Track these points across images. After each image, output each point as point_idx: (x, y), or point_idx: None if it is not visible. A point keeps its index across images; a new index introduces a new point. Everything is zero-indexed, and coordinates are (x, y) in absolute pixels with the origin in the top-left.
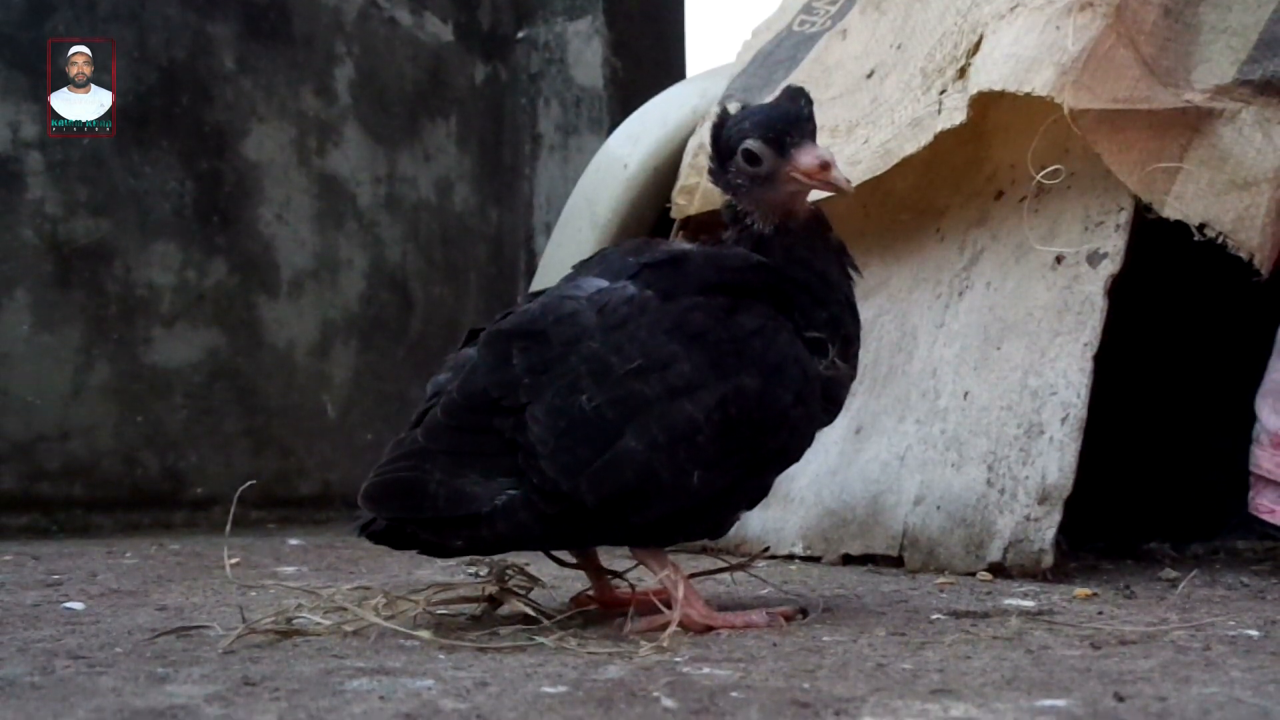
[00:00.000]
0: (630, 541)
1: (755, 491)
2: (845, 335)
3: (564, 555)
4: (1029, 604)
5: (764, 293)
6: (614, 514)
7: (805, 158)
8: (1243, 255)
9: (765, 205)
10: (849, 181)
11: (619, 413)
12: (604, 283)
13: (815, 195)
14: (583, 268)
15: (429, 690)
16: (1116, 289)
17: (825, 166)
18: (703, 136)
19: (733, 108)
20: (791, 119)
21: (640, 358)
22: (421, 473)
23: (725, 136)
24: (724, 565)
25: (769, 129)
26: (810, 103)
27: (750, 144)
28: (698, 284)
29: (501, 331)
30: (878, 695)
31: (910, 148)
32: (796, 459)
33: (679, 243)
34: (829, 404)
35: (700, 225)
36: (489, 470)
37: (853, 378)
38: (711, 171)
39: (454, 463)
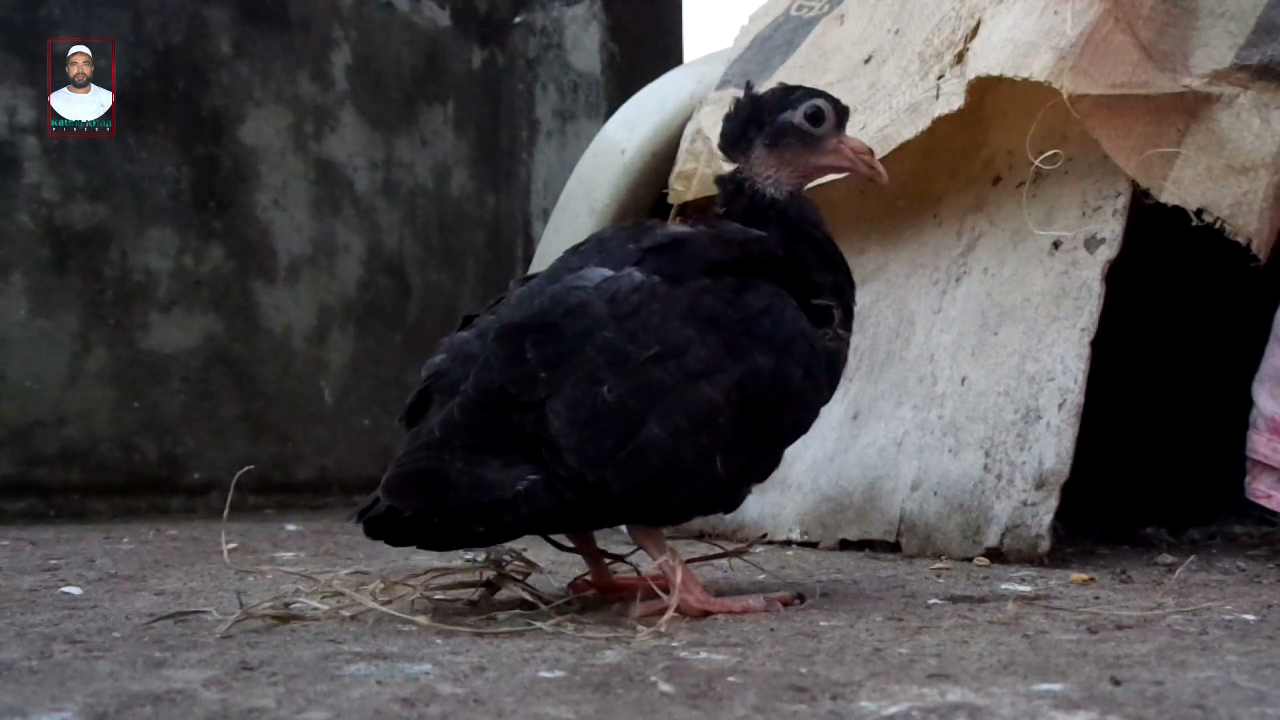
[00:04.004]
0: (651, 522)
1: (768, 466)
2: (846, 305)
3: (562, 539)
4: (1026, 589)
5: (768, 266)
6: (639, 500)
7: (856, 140)
8: (1240, 240)
9: (796, 167)
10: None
11: (640, 401)
12: (608, 271)
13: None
14: (578, 254)
15: (426, 675)
16: (1114, 274)
17: (872, 152)
18: (700, 122)
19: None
20: (847, 110)
21: (656, 345)
22: (441, 462)
23: (779, 98)
24: (721, 551)
25: (837, 102)
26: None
27: (821, 104)
28: (702, 265)
29: (513, 325)
30: (874, 680)
31: (908, 133)
32: (805, 431)
33: (674, 225)
34: (830, 377)
35: (697, 210)
36: (509, 460)
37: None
38: (733, 135)
39: (473, 454)
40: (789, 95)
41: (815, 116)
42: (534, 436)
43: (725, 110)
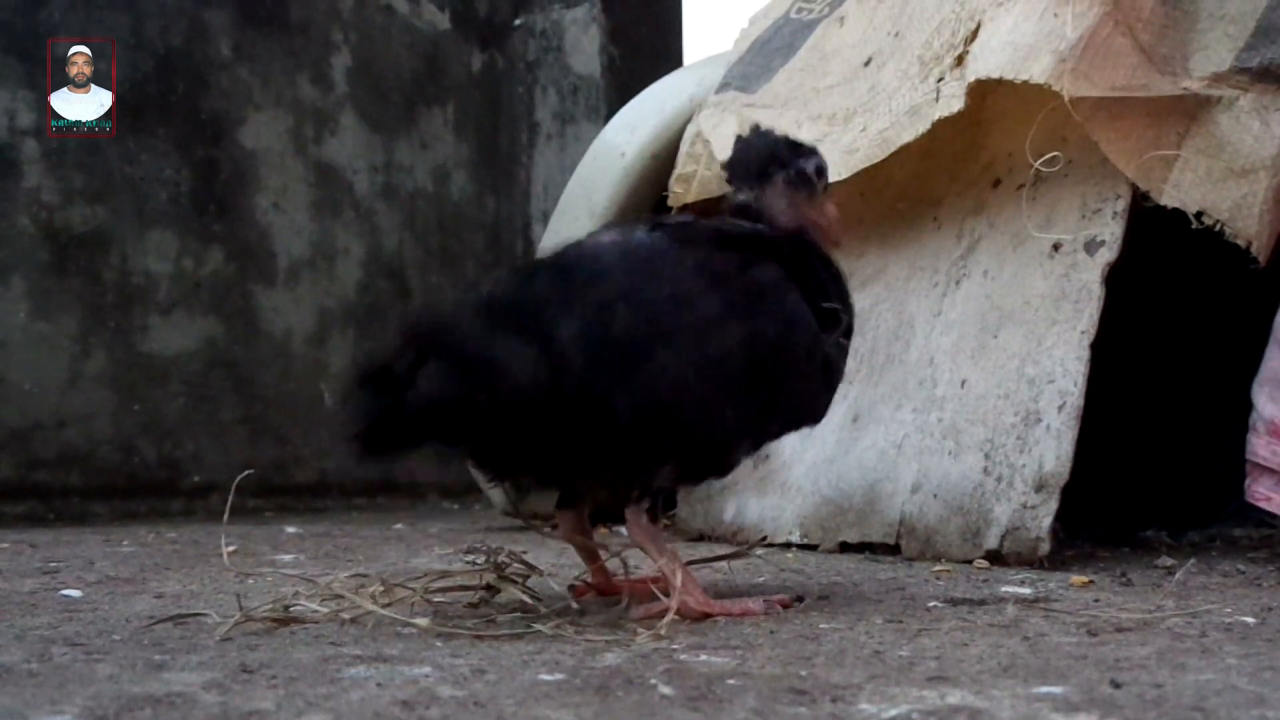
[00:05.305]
0: (651, 461)
1: (763, 435)
2: (849, 319)
3: (558, 536)
4: (1026, 591)
5: (772, 255)
6: (645, 430)
7: (832, 207)
8: (1240, 243)
9: (797, 212)
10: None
11: (652, 334)
12: (617, 235)
13: None
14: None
15: (426, 677)
16: (1113, 277)
17: (839, 220)
18: (700, 124)
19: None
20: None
21: (670, 289)
22: (452, 320)
23: (794, 145)
24: (721, 554)
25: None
26: None
27: (825, 163)
28: (711, 238)
29: (525, 265)
30: (874, 682)
31: (908, 136)
32: (803, 420)
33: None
34: (829, 380)
35: (698, 213)
36: (516, 344)
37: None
38: (754, 166)
39: (482, 332)
40: (801, 146)
41: (821, 172)
42: (544, 340)
43: (737, 140)
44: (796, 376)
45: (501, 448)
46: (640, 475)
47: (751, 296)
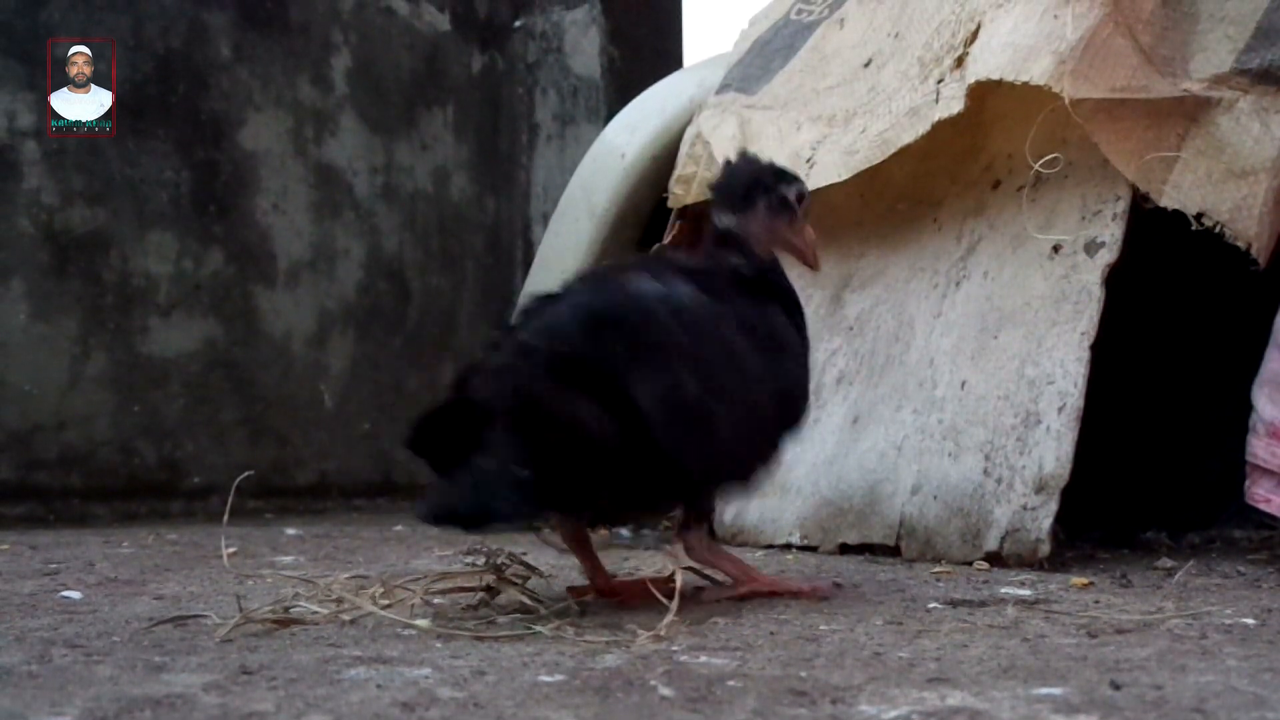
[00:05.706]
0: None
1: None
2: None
3: (556, 540)
4: (1026, 593)
5: (768, 290)
6: (707, 478)
7: (810, 231)
8: (1240, 244)
9: (776, 237)
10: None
11: (714, 399)
12: (658, 285)
13: None
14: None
15: (426, 679)
16: (1113, 278)
17: (814, 243)
18: (700, 126)
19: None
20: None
21: (721, 352)
22: (526, 379)
23: (778, 171)
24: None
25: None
26: None
27: (806, 190)
28: (729, 280)
29: (589, 310)
30: (874, 684)
31: (908, 137)
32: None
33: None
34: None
35: (697, 215)
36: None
37: None
38: (739, 190)
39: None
40: (785, 173)
41: (802, 198)
42: (620, 407)
43: (725, 165)
44: (803, 397)
45: (569, 498)
46: (700, 505)
47: (774, 341)
